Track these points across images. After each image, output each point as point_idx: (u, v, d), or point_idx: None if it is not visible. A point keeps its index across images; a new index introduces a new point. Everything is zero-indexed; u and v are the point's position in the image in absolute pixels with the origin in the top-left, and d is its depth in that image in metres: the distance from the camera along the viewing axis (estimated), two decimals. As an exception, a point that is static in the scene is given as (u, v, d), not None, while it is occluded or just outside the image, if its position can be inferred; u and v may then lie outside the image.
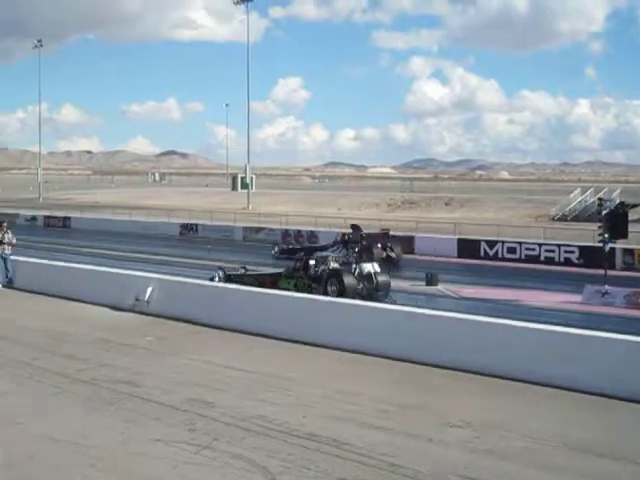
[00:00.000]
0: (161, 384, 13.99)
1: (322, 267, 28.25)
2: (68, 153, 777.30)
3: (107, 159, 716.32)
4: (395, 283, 29.78)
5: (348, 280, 27.18)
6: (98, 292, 23.03)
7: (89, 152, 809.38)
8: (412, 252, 43.57)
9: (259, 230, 55.77)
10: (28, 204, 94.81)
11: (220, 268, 30.52)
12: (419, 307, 19.18)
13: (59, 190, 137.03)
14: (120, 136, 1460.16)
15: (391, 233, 42.52)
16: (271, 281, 28.29)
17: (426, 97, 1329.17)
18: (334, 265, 28.34)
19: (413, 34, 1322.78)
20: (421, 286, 30.39)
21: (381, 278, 28.40)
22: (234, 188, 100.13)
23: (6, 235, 26.69)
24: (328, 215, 64.72)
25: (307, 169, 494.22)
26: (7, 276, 26.54)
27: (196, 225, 60.79)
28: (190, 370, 15.25)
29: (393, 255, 38.92)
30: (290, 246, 43.38)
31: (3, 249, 26.49)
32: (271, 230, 54.97)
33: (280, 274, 29.29)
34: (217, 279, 28.47)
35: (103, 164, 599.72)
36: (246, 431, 11.37)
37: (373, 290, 27.87)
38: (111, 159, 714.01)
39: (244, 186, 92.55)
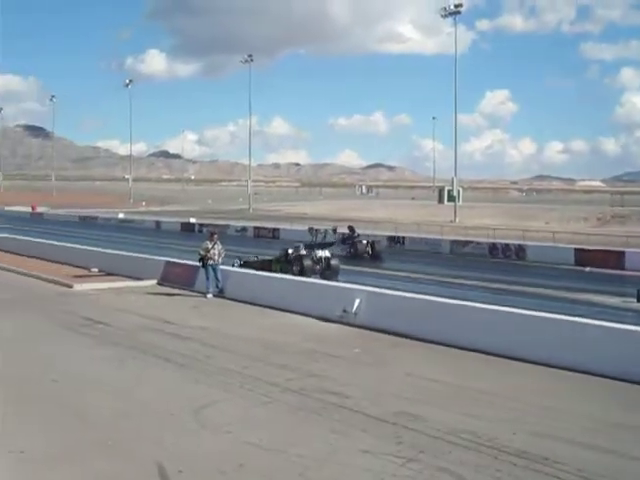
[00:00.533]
0: (369, 396, 14.03)
1: (295, 254, 37.01)
2: (276, 165, 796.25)
3: (315, 171, 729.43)
4: (602, 298, 30.69)
5: (306, 262, 36.36)
6: (305, 303, 23.39)
7: (297, 164, 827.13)
8: (622, 268, 42.27)
9: (466, 243, 55.32)
10: (238, 215, 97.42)
11: (238, 257, 37.69)
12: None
13: (268, 202, 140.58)
14: (327, 149, 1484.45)
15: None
16: (268, 265, 35.91)
17: (636, 109, 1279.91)
18: (302, 252, 37.12)
19: (622, 45, 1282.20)
20: (632, 303, 29.43)
21: (332, 262, 37.89)
22: (440, 201, 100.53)
23: (216, 246, 27.56)
24: (536, 229, 63.75)
25: (514, 182, 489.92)
26: (217, 286, 27.31)
27: (403, 238, 60.50)
28: (397, 382, 15.26)
29: (370, 250, 50.18)
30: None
31: (214, 260, 27.34)
32: (478, 244, 54.33)
33: (272, 260, 37.43)
34: (236, 265, 34.79)
35: (311, 176, 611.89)
36: (453, 445, 11.25)
37: (326, 270, 36.78)
38: (319, 171, 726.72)
39: (450, 199, 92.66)
